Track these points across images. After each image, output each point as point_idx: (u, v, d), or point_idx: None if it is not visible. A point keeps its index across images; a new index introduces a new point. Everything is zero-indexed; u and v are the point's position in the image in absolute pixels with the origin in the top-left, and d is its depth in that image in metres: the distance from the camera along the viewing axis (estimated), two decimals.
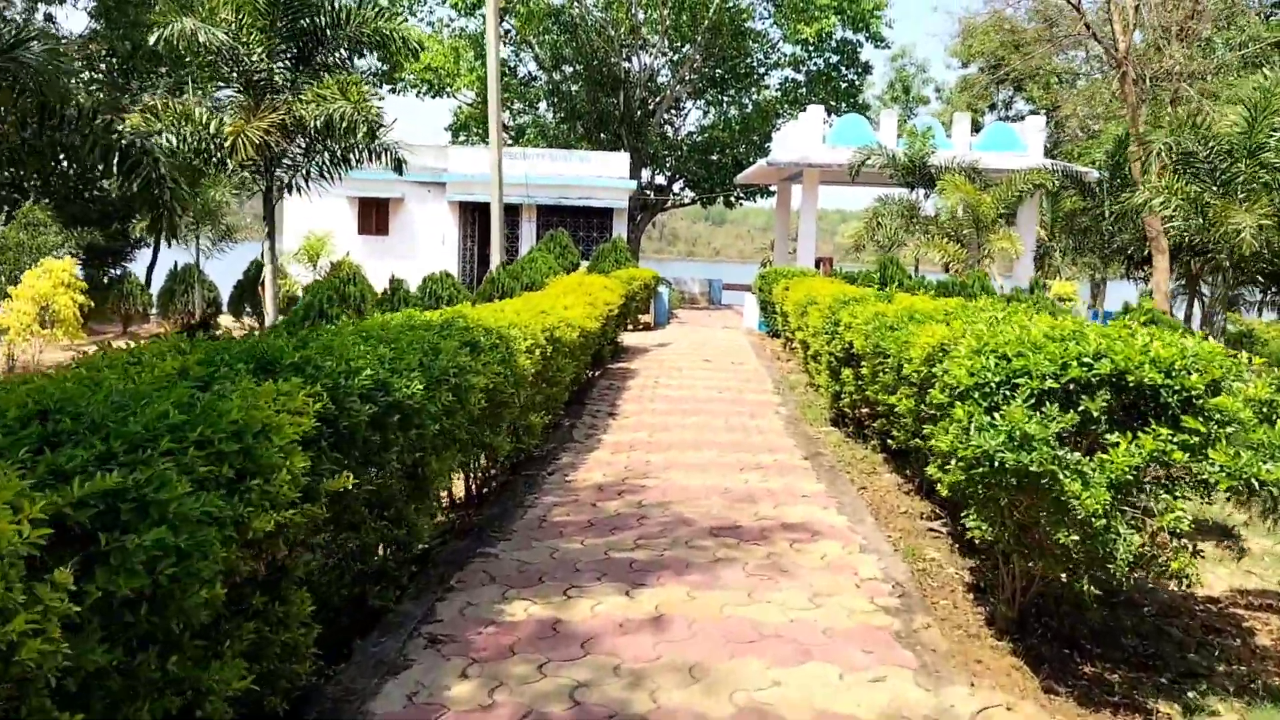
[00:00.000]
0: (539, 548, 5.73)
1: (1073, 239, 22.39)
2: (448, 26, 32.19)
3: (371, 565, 4.49)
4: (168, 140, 11.32)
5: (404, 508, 4.64)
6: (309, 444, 3.45)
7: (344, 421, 3.74)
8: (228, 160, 11.57)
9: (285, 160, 12.69)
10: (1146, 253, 25.06)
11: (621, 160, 27.23)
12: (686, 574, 5.30)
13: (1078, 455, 3.74)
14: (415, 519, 4.75)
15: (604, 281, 14.83)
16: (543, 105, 33.44)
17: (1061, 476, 3.64)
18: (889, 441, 7.47)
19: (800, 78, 36.25)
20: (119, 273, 25.12)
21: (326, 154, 12.72)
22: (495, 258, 16.65)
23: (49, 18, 27.25)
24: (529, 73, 34.42)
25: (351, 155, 12.82)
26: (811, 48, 35.17)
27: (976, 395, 4.14)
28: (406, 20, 32.01)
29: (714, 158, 35.85)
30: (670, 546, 5.77)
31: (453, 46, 30.65)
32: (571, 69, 32.08)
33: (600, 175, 26.89)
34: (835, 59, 35.51)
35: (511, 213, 27.20)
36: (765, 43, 35.17)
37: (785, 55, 36.88)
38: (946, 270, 24.71)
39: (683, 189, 37.53)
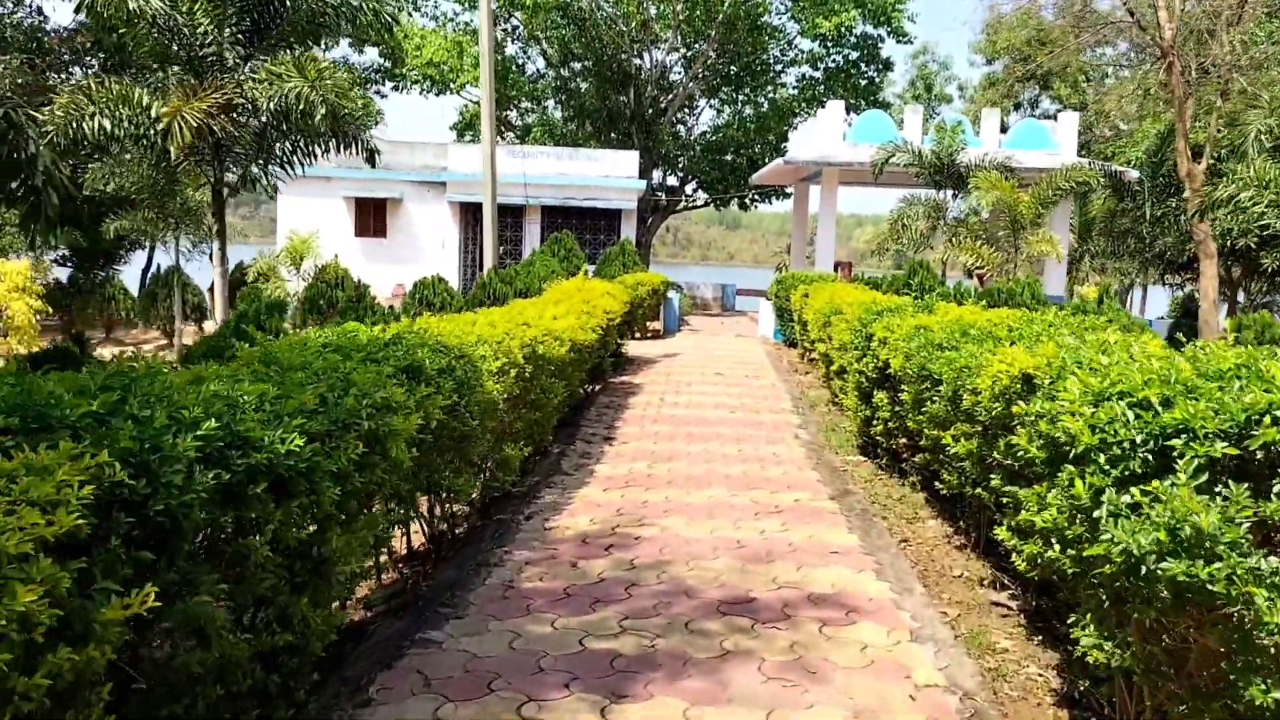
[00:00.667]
0: (496, 631, 4.46)
1: (1110, 242, 20.93)
2: (451, 21, 31.04)
3: (242, 686, 3.23)
4: (102, 125, 10.08)
5: (292, 603, 3.38)
6: (74, 551, 2.20)
7: (158, 503, 2.48)
8: (170, 148, 10.28)
9: (237, 149, 11.40)
10: (1186, 257, 23.65)
11: (630, 159, 25.99)
12: (684, 676, 4.02)
13: (1276, 561, 2.44)
14: (311, 615, 3.48)
15: (606, 287, 13.61)
16: (550, 103, 32.19)
17: (1259, 599, 2.34)
18: (936, 484, 6.17)
19: (818, 75, 34.92)
20: (104, 275, 24.05)
21: (287, 142, 11.44)
22: (488, 260, 15.42)
23: (39, 10, 26.33)
24: (537, 70, 33.26)
25: (317, 145, 11.54)
26: (830, 43, 33.85)
27: (1102, 460, 2.85)
28: (409, 15, 31.02)
29: (728, 158, 34.58)
30: (665, 631, 4.49)
31: (456, 41, 29.46)
32: (580, 65, 30.84)
33: (608, 175, 25.65)
34: (854, 55, 34.17)
35: (514, 214, 26.02)
36: (782, 38, 33.86)
37: (803, 52, 35.60)
38: (970, 275, 23.50)
39: (695, 190, 36.26)
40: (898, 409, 6.94)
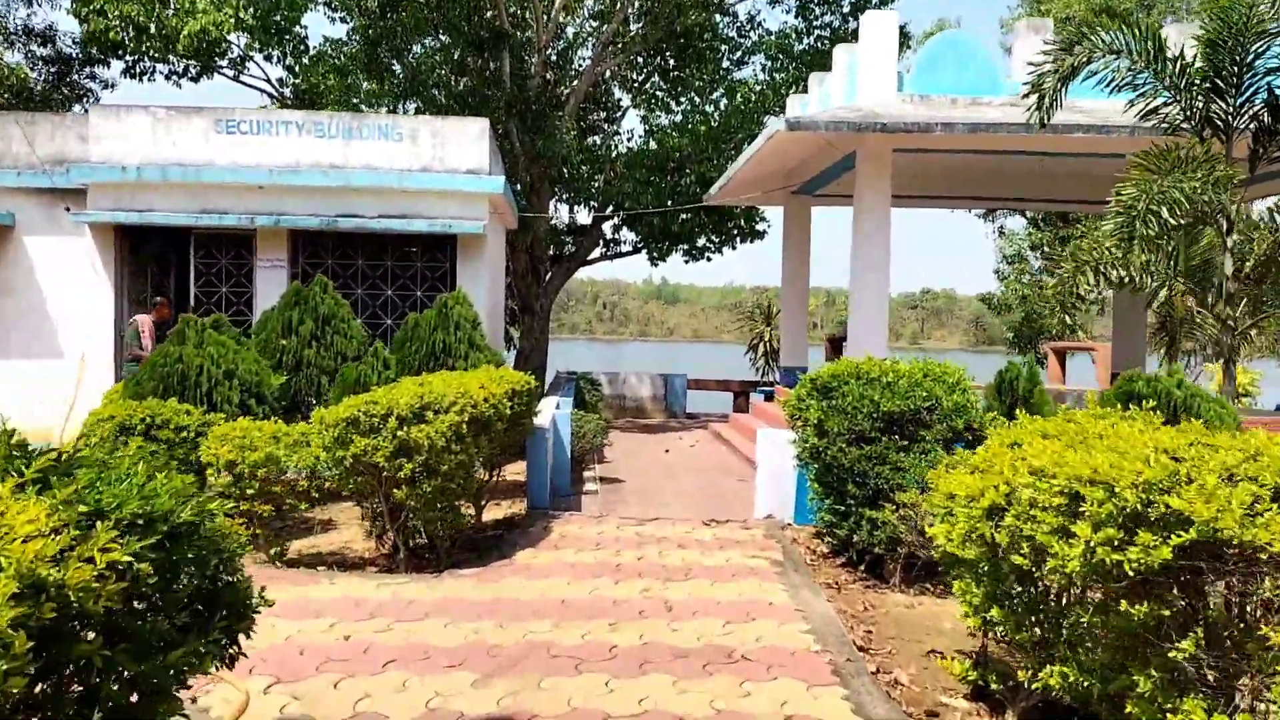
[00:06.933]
0: None
1: None
2: None
3: None
4: None
5: None
6: None
7: None
8: None
9: None
10: None
11: (473, 134, 13.20)
12: None
13: None
14: None
15: None
16: (364, 77, 19.12)
17: None
18: None
19: (791, 57, 22.89)
20: None
21: None
22: None
23: None
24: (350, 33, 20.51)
25: None
26: (818, 3, 22.24)
27: None
28: None
29: (665, 180, 22.07)
30: None
31: None
32: (418, 17, 18.24)
33: (428, 167, 12.91)
34: (852, 24, 22.45)
35: (235, 247, 13.09)
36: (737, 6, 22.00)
37: (770, 33, 23.87)
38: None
39: (617, 229, 23.75)
40: None
